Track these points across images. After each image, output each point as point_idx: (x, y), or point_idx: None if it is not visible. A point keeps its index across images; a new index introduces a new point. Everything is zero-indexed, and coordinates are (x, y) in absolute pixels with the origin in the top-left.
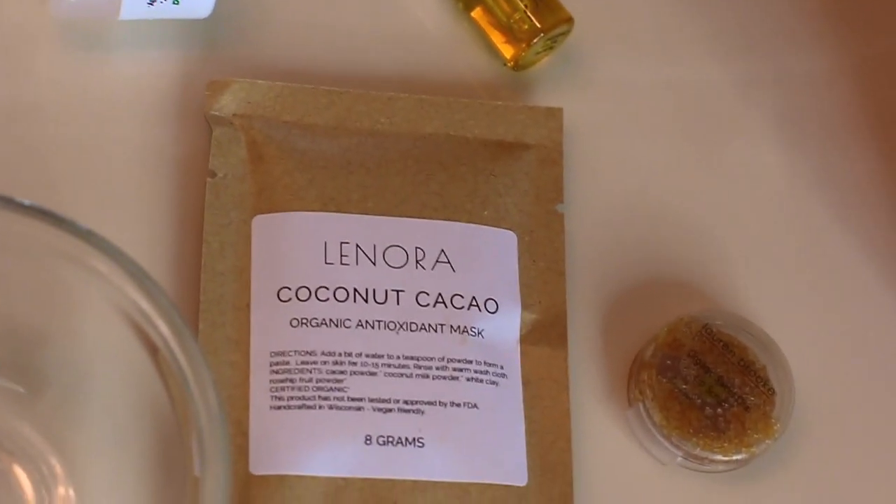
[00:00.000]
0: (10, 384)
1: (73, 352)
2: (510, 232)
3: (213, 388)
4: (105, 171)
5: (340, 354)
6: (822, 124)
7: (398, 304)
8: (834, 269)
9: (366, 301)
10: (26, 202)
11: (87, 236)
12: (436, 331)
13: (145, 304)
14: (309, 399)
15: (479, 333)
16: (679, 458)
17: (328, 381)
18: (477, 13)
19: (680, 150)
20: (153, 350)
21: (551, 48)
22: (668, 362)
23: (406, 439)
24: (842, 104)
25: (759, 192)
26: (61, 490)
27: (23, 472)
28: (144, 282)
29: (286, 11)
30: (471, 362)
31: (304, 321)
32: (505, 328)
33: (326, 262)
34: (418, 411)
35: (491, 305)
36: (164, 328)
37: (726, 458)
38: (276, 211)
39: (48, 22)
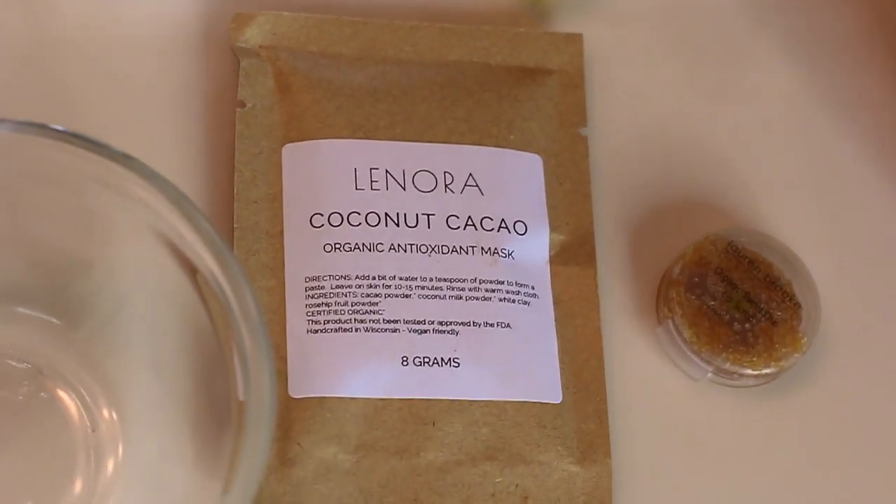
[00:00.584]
0: (46, 315)
1: (112, 279)
2: (536, 155)
3: (257, 310)
4: (135, 104)
5: (374, 277)
6: (834, 44)
7: (429, 227)
8: (850, 185)
9: (397, 225)
10: (61, 128)
11: (124, 160)
12: (467, 253)
13: (184, 227)
14: (345, 322)
15: (510, 255)
16: (709, 374)
17: (363, 304)
18: None
19: (696, 75)
20: (193, 273)
21: None
22: (696, 279)
23: (442, 359)
24: (854, 23)
25: (775, 115)
26: (105, 413)
27: (67, 396)
28: (182, 204)
29: None
30: (502, 283)
31: (338, 246)
32: (534, 249)
33: (357, 188)
34: (453, 332)
35: (520, 227)
36: (203, 251)
37: (755, 373)
38: (306, 139)
39: None
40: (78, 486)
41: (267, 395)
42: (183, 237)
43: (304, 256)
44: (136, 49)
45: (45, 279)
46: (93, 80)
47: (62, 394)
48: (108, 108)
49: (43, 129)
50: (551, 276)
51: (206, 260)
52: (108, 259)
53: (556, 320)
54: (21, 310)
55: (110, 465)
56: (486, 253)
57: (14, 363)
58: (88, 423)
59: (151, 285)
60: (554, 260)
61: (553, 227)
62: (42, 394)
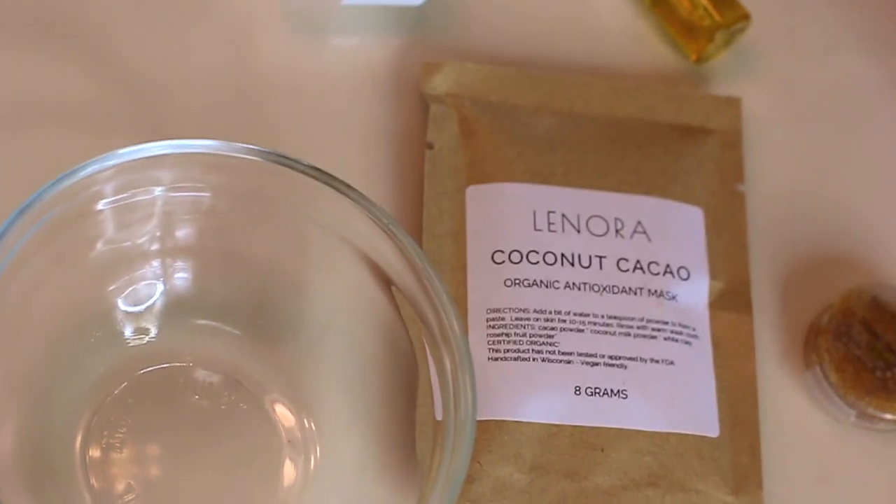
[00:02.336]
0: (250, 333)
1: (320, 301)
2: (697, 208)
3: (461, 330)
4: (331, 139)
5: (551, 312)
6: None
7: (601, 268)
8: None
9: (572, 265)
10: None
11: (327, 179)
12: (635, 294)
13: (388, 248)
14: (523, 352)
15: (674, 298)
16: (853, 417)
17: (540, 336)
18: (660, 9)
19: (844, 140)
20: (390, 291)
21: (729, 43)
22: (842, 329)
23: (611, 391)
24: None
25: None
26: (304, 422)
27: (267, 407)
28: (390, 226)
29: (488, 4)
30: (667, 323)
31: (518, 281)
32: (695, 294)
33: (535, 229)
34: (622, 366)
35: (683, 273)
36: (407, 271)
37: (895, 418)
38: (488, 181)
39: (276, 5)
40: (277, 490)
41: (469, 416)
42: (383, 255)
43: (485, 289)
44: (334, 90)
45: (255, 299)
46: (294, 115)
47: (262, 405)
48: (307, 141)
49: (266, 153)
50: (710, 319)
51: (409, 281)
52: (315, 280)
53: (714, 360)
54: (226, 327)
55: (306, 472)
56: (653, 295)
57: (216, 376)
58: (285, 433)
59: (354, 305)
60: (713, 305)
61: (712, 275)
62: (242, 405)
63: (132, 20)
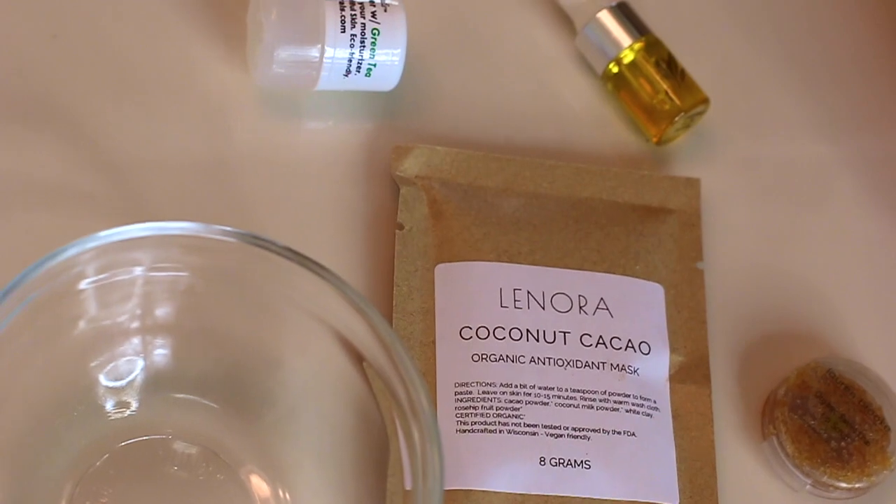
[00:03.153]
0: (227, 406)
1: (295, 375)
2: (658, 285)
3: (428, 402)
4: (302, 224)
5: (517, 386)
6: None
7: (565, 343)
8: None
9: (537, 340)
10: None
11: (301, 260)
12: (598, 368)
13: (357, 323)
14: (490, 424)
15: (635, 371)
16: (808, 486)
17: (506, 408)
18: (623, 95)
19: (799, 217)
20: (361, 364)
21: (689, 126)
22: (798, 401)
23: (575, 461)
24: None
25: (869, 254)
26: (279, 493)
27: (242, 478)
28: (359, 303)
29: (456, 89)
30: (629, 396)
31: (484, 356)
32: (656, 368)
33: (502, 306)
34: (585, 437)
35: (644, 348)
36: (375, 346)
37: (849, 486)
38: (456, 260)
39: (252, 91)
40: None
41: (437, 486)
42: (355, 332)
43: (454, 364)
44: (308, 172)
45: (231, 374)
46: (269, 196)
47: (238, 476)
48: (281, 222)
49: (242, 235)
50: (671, 392)
51: (380, 357)
52: (289, 356)
53: (674, 431)
54: (204, 401)
55: None
56: (615, 369)
57: (194, 448)
58: (261, 503)
59: (327, 380)
60: (673, 378)
61: (673, 349)
62: (219, 475)
63: (110, 105)
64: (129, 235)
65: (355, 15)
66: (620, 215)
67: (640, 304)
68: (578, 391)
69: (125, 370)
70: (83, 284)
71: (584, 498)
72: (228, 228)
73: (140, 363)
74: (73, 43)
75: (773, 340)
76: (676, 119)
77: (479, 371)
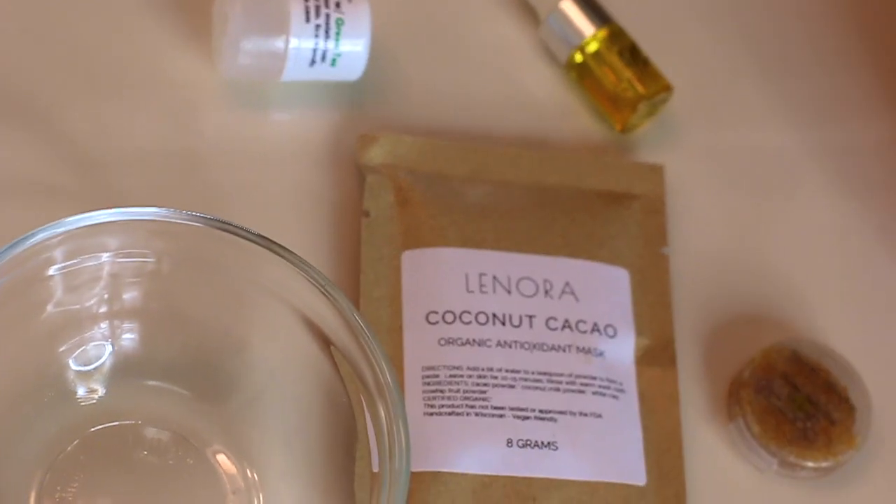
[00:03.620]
0: (195, 391)
1: (261, 357)
2: (623, 269)
3: (394, 382)
4: (269, 212)
5: (483, 369)
6: (883, 183)
7: (531, 327)
8: None
9: (503, 324)
10: (221, 218)
11: (268, 244)
12: (564, 351)
13: (323, 305)
14: (457, 407)
15: (601, 354)
16: (774, 466)
17: (473, 392)
18: (587, 83)
19: (762, 203)
20: (328, 347)
21: (652, 114)
22: (764, 382)
23: (542, 443)
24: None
25: (831, 240)
26: (248, 473)
27: (211, 461)
28: (325, 284)
29: (421, 79)
30: (595, 378)
31: (451, 340)
32: (622, 351)
33: (468, 291)
34: (552, 419)
35: (610, 331)
36: (341, 327)
37: (815, 466)
38: (423, 247)
39: (218, 82)
40: None
41: (403, 467)
42: (322, 316)
43: (421, 349)
44: (275, 162)
45: (199, 358)
46: (236, 186)
47: (207, 459)
48: (249, 211)
49: (209, 219)
50: (637, 375)
51: (347, 340)
52: (257, 339)
53: (640, 414)
54: (173, 386)
55: None
56: (581, 352)
57: (164, 433)
58: (230, 485)
59: (295, 363)
60: (639, 361)
61: (638, 333)
62: (189, 460)
63: (76, 96)
64: (97, 220)
65: (319, 5)
66: (585, 201)
67: (606, 289)
68: (545, 374)
69: (94, 355)
70: (51, 270)
71: (552, 479)
72: (195, 213)
73: (108, 348)
74: (41, 37)
75: (739, 323)
76: (640, 106)
77: (445, 355)
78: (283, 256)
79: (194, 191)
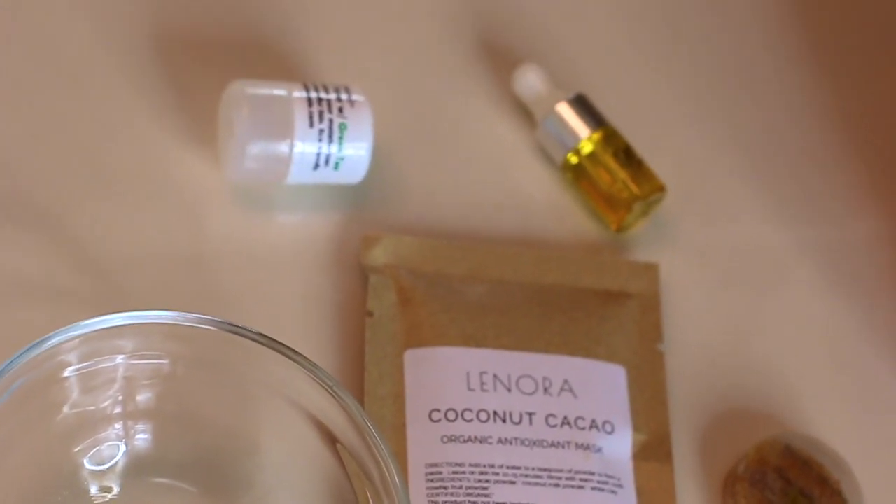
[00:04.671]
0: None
1: (270, 458)
2: (620, 367)
3: (401, 481)
4: (275, 312)
5: (485, 466)
6: (871, 280)
7: (531, 424)
8: (887, 400)
9: (504, 422)
10: (234, 323)
11: (271, 343)
12: (563, 447)
13: (330, 406)
14: (460, 503)
15: (599, 450)
16: None
17: (475, 488)
18: (582, 184)
19: (755, 301)
20: (334, 446)
21: (647, 213)
22: (758, 476)
23: None
24: (886, 265)
25: (822, 335)
26: None
27: None
28: (333, 387)
29: (421, 180)
30: (593, 474)
31: (453, 438)
32: (620, 446)
33: (469, 389)
34: None
35: (608, 427)
36: (349, 428)
37: None
38: (425, 346)
39: (223, 184)
40: None
41: None
42: (329, 415)
43: (424, 446)
44: (280, 263)
45: (210, 457)
46: (243, 286)
47: None
48: (256, 311)
49: (220, 322)
50: (634, 470)
51: (353, 438)
52: (266, 439)
53: None
54: (184, 485)
55: None
56: (580, 448)
57: None
58: None
59: (302, 461)
60: (636, 456)
61: (635, 428)
62: None
63: (84, 199)
64: (112, 324)
65: (323, 111)
66: (582, 300)
67: (603, 386)
68: (545, 470)
69: (108, 455)
70: (67, 372)
71: None
72: (205, 316)
73: (122, 448)
74: (49, 141)
75: (733, 418)
76: (634, 206)
77: (448, 452)
78: (291, 358)
79: (201, 292)
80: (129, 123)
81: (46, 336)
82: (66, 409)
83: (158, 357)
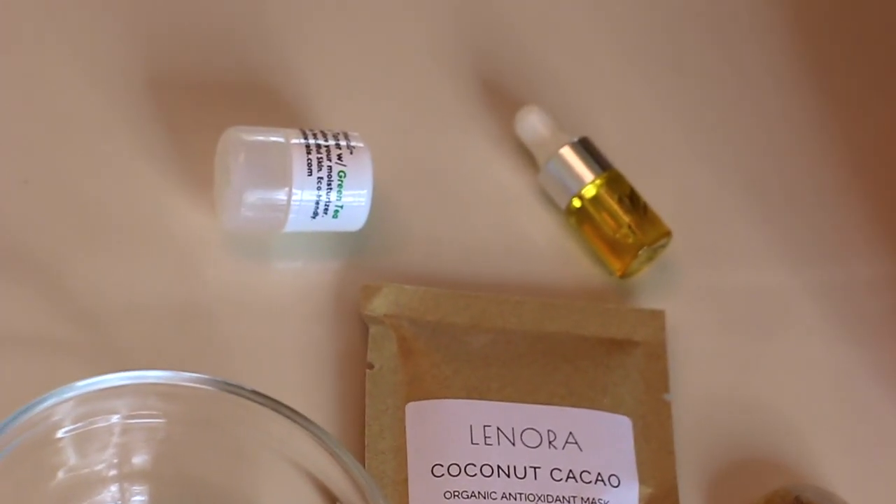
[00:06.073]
0: None
1: None
2: (626, 417)
3: None
4: (273, 364)
5: None
6: (879, 322)
7: (536, 478)
8: None
9: (508, 476)
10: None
11: (274, 405)
12: (569, 502)
13: (331, 465)
14: None
15: None
16: None
17: None
18: (586, 229)
19: (764, 346)
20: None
21: (652, 259)
22: None
23: None
24: (894, 307)
25: (832, 381)
26: None
27: None
28: (335, 448)
29: (422, 227)
30: None
31: (457, 493)
32: (626, 500)
33: (472, 443)
34: None
35: (614, 480)
36: (350, 490)
37: None
38: (427, 398)
39: (219, 232)
40: None
41: None
42: (329, 475)
43: (426, 502)
44: (278, 313)
45: None
46: (239, 338)
47: None
48: (253, 363)
49: (217, 382)
50: None
51: (353, 497)
52: (264, 498)
53: None
54: None
55: None
56: (586, 502)
57: None
58: None
59: None
60: None
61: (642, 481)
62: None
63: (77, 249)
64: (106, 385)
65: (321, 158)
66: (587, 348)
67: (609, 437)
68: None
69: None
70: (61, 433)
71: None
72: (201, 375)
73: None
74: (43, 188)
75: (741, 468)
76: (640, 252)
77: None
78: (287, 416)
79: (197, 344)
80: (124, 170)
81: (40, 398)
82: (60, 474)
83: (154, 417)
